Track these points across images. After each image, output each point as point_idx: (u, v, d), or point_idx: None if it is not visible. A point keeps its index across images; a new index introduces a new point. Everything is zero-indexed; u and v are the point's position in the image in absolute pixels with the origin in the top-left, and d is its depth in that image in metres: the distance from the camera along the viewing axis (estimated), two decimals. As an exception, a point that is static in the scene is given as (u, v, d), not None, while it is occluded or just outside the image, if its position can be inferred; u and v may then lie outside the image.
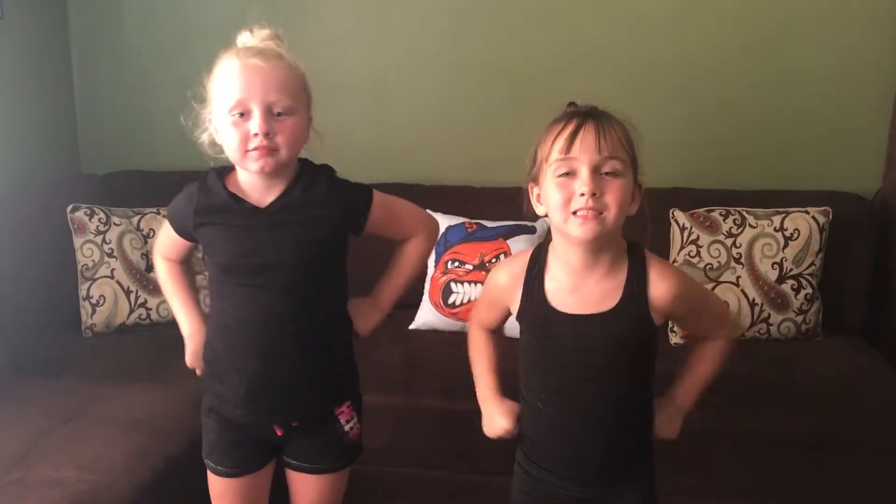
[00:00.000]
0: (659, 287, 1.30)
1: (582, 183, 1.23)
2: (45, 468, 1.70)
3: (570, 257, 1.31)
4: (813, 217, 2.37)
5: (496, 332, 1.50)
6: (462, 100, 2.77)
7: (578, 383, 1.33)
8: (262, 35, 1.42)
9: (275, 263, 1.41)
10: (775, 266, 2.35)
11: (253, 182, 1.42)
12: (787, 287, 2.34)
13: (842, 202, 2.45)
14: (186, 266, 1.63)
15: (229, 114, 1.35)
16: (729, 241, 2.36)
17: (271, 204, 1.42)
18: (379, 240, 1.57)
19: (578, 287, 1.31)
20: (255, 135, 1.34)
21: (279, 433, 1.51)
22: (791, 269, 2.35)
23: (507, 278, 1.39)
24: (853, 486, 1.97)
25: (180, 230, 1.51)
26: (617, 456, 1.38)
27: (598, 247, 1.28)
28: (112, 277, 2.44)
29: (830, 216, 2.38)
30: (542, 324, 1.34)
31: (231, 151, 1.38)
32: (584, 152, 1.23)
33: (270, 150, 1.35)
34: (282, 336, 1.44)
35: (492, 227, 2.48)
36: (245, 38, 1.43)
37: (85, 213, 2.47)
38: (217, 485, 1.57)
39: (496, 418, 1.43)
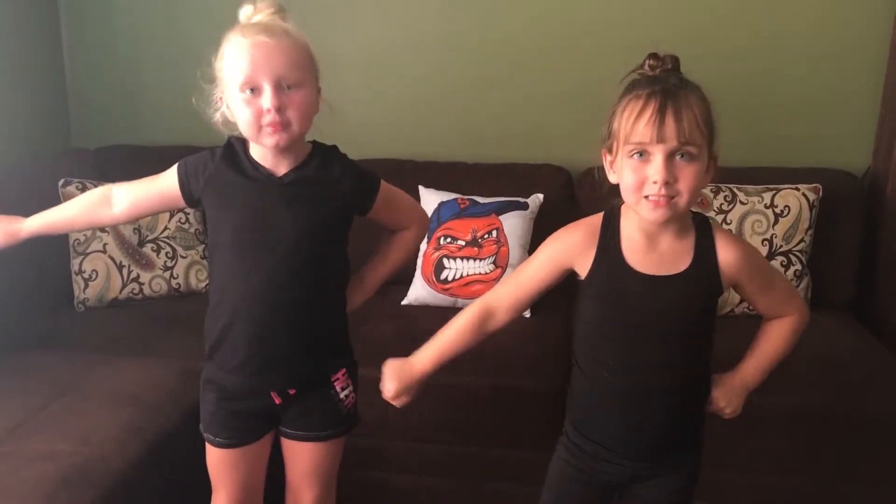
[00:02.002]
0: (727, 251, 1.32)
1: (656, 171, 1.22)
2: (38, 441, 1.71)
3: (643, 222, 1.31)
4: (803, 194, 2.38)
5: (488, 329, 1.43)
6: (454, 75, 2.76)
7: (647, 349, 1.33)
8: (265, 8, 1.43)
9: (282, 232, 1.43)
10: (765, 242, 2.36)
11: (267, 155, 1.45)
12: (776, 263, 2.35)
13: (832, 179, 2.46)
14: (105, 221, 1.60)
15: (240, 91, 1.37)
16: (720, 218, 2.37)
17: (286, 174, 1.45)
18: (373, 224, 1.61)
19: (652, 248, 1.32)
20: (268, 110, 1.36)
21: (277, 401, 1.53)
22: (781, 246, 2.36)
23: (582, 236, 1.35)
24: (846, 461, 1.99)
25: (187, 187, 1.48)
26: (674, 428, 1.39)
27: (669, 222, 1.30)
28: (104, 252, 2.43)
29: (821, 193, 2.40)
30: (618, 284, 1.33)
31: (245, 128, 1.40)
32: (661, 140, 1.21)
33: (283, 125, 1.38)
34: (282, 303, 1.46)
35: (484, 203, 2.48)
36: (247, 12, 1.43)
37: (76, 188, 2.45)
38: (215, 456, 1.58)
39: (409, 387, 1.44)
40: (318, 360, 1.54)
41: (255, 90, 1.37)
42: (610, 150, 1.31)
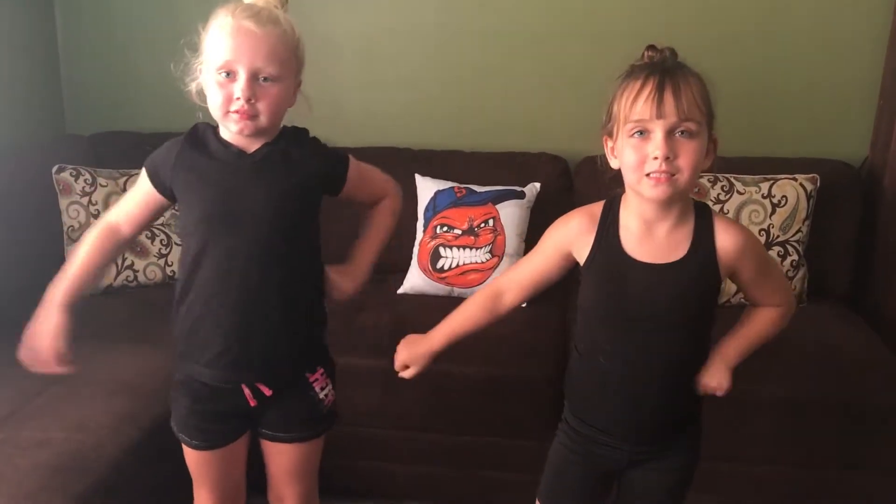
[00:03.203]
0: (725, 238, 1.32)
1: (655, 146, 1.23)
2: (33, 429, 1.70)
3: (643, 209, 1.32)
4: (801, 184, 2.37)
5: (499, 310, 1.47)
6: (452, 64, 2.75)
7: (644, 335, 1.34)
8: None
9: (256, 209, 1.39)
10: (762, 233, 2.36)
11: (236, 136, 1.42)
12: (773, 253, 2.35)
13: (829, 169, 2.46)
14: (122, 245, 1.52)
15: (216, 72, 1.35)
16: (717, 208, 2.36)
17: (257, 150, 1.42)
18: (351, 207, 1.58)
19: (650, 236, 1.32)
20: (237, 98, 1.34)
21: (252, 403, 1.49)
22: (778, 236, 2.36)
23: (581, 223, 1.37)
24: (841, 450, 2.00)
25: (157, 178, 1.45)
26: (673, 413, 1.40)
27: (671, 201, 1.30)
28: (98, 239, 2.42)
29: (818, 183, 2.39)
30: (615, 271, 1.33)
31: (213, 109, 1.38)
32: (660, 116, 1.22)
33: (251, 115, 1.35)
34: (259, 290, 1.42)
35: (481, 192, 2.47)
36: None
37: (70, 174, 2.45)
38: (193, 457, 1.55)
39: (416, 357, 1.50)
40: (295, 357, 1.51)
41: (230, 74, 1.34)
42: (611, 135, 1.32)
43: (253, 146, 1.42)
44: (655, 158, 1.23)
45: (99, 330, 2.22)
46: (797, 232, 2.37)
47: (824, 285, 2.47)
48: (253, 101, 1.34)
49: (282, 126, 1.46)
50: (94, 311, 2.33)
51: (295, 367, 1.52)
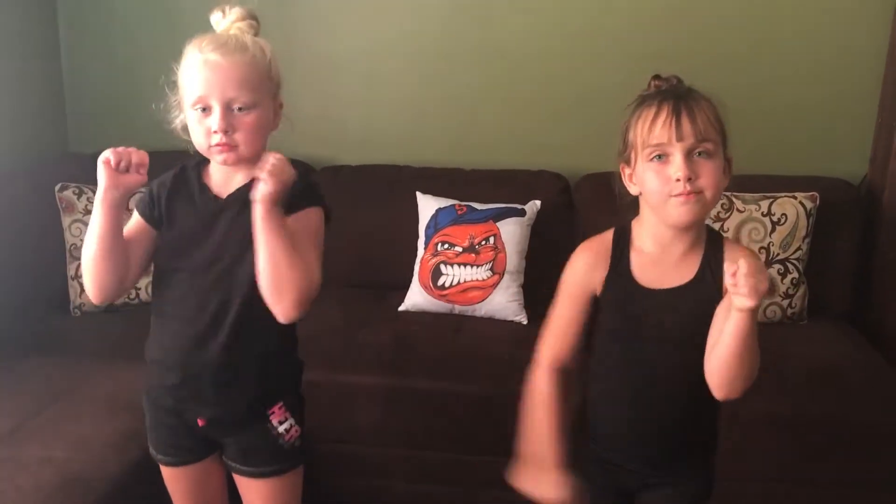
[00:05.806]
0: (732, 260, 1.31)
1: (676, 168, 1.25)
2: (36, 447, 1.70)
3: (660, 232, 1.33)
4: (800, 202, 2.38)
5: (568, 373, 1.42)
6: (453, 82, 2.76)
7: (658, 358, 1.35)
8: (233, 16, 1.39)
9: (218, 252, 1.40)
10: (762, 250, 2.36)
11: (219, 172, 1.43)
12: (773, 271, 2.36)
13: (829, 187, 2.46)
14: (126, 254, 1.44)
15: (192, 108, 1.36)
16: (717, 226, 2.37)
17: (230, 195, 1.42)
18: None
19: (661, 261, 1.34)
20: (215, 132, 1.34)
21: (200, 423, 1.47)
22: (778, 254, 2.37)
23: (589, 258, 1.38)
24: (842, 468, 2.00)
25: (148, 209, 1.45)
26: (685, 438, 1.41)
27: (694, 223, 1.31)
28: (101, 257, 2.43)
29: (818, 201, 2.40)
30: (626, 298, 1.35)
31: (197, 144, 1.39)
32: (679, 139, 1.24)
33: (230, 147, 1.35)
34: (217, 327, 1.40)
35: (482, 210, 2.48)
36: (216, 18, 1.41)
37: (73, 193, 2.46)
38: (165, 474, 1.55)
39: (556, 489, 1.38)
40: (250, 392, 1.47)
41: (205, 109, 1.34)
42: (628, 162, 1.33)
43: (231, 186, 1.42)
44: (678, 180, 1.24)
45: (100, 347, 2.22)
46: (797, 250, 2.37)
47: (824, 303, 2.47)
48: (230, 133, 1.34)
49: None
50: (95, 329, 2.34)
51: (249, 402, 1.47)
